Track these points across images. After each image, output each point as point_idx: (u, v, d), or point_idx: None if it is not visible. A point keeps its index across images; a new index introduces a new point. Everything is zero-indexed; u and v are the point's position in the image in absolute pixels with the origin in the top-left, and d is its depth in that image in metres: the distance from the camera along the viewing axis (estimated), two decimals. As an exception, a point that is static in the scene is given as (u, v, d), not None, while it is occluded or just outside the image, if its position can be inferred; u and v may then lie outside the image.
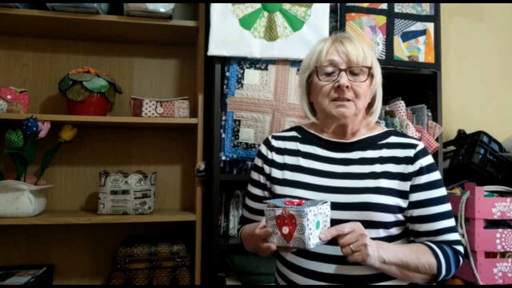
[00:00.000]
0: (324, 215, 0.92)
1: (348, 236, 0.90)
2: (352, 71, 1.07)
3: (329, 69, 1.08)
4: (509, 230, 1.64)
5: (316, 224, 0.89)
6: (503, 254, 1.65)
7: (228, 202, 1.77)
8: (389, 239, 1.03)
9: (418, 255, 1.00)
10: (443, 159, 1.80)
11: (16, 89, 1.69)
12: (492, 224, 1.67)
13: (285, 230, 0.89)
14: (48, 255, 1.85)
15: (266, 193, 1.18)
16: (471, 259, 1.60)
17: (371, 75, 1.10)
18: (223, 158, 1.62)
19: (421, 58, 1.74)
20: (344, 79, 1.05)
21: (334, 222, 0.95)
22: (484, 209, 1.61)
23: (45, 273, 1.72)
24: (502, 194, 1.72)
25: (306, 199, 0.96)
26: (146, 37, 1.89)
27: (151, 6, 1.64)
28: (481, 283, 1.58)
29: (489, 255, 1.63)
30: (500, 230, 1.63)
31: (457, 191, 1.76)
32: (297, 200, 0.93)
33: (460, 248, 1.06)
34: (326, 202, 0.93)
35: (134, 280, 1.68)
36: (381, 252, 0.94)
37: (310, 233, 0.86)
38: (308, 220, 0.86)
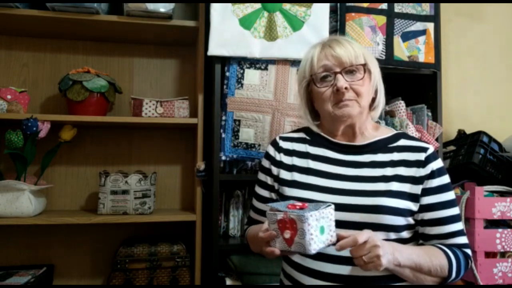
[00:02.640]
0: (328, 219, 0.89)
1: (360, 247, 0.88)
2: (347, 71, 1.07)
3: (324, 74, 1.08)
4: (509, 230, 1.63)
5: (320, 229, 0.87)
6: (503, 254, 1.65)
7: (228, 202, 1.77)
8: (400, 242, 1.02)
9: (431, 258, 0.99)
10: (443, 159, 1.80)
11: (16, 89, 1.69)
12: (492, 224, 1.67)
13: (287, 234, 0.87)
14: (48, 255, 1.85)
15: (273, 195, 1.17)
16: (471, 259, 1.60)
17: (368, 71, 1.09)
18: (223, 158, 1.62)
19: (421, 58, 1.74)
20: (341, 81, 1.05)
21: (344, 224, 0.94)
22: (484, 209, 1.61)
23: (45, 273, 1.72)
24: (502, 194, 1.72)
25: (312, 201, 0.95)
26: (146, 37, 1.89)
27: (151, 6, 1.64)
28: (481, 283, 1.58)
29: (489, 255, 1.63)
30: (500, 230, 1.63)
31: (457, 191, 1.76)
32: (300, 204, 0.91)
33: (469, 251, 1.07)
34: (329, 205, 0.91)
35: (134, 280, 1.68)
36: (397, 255, 0.93)
37: (311, 238, 0.85)
38: (309, 225, 0.84)
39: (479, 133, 1.92)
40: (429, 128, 1.75)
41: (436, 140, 1.73)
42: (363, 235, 0.89)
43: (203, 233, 1.73)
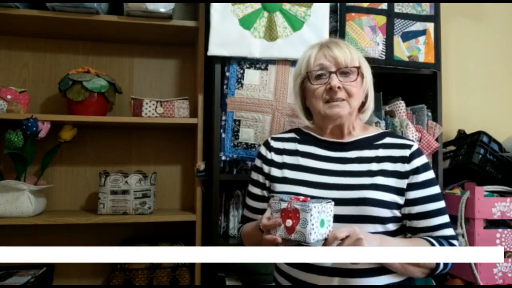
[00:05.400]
0: (328, 214, 0.96)
1: (345, 242, 0.94)
2: (341, 72, 1.12)
3: (320, 73, 1.13)
4: (509, 230, 1.64)
5: (321, 222, 0.93)
6: (503, 254, 1.65)
7: (228, 202, 1.77)
8: (387, 235, 1.07)
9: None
10: (443, 159, 1.80)
11: (16, 89, 1.69)
12: (492, 224, 1.67)
13: (289, 223, 0.93)
14: (48, 255, 1.85)
15: (265, 192, 1.21)
16: (471, 259, 1.60)
17: (361, 75, 1.15)
18: (223, 158, 1.62)
19: (421, 58, 1.74)
20: (335, 80, 1.11)
21: (333, 218, 0.98)
22: (484, 209, 1.61)
23: (45, 273, 1.72)
24: (502, 194, 1.72)
25: (310, 197, 1.00)
26: (146, 37, 1.89)
27: (151, 6, 1.64)
28: (481, 283, 1.58)
29: (489, 255, 1.63)
30: (500, 230, 1.63)
31: (457, 191, 1.76)
32: (302, 197, 0.97)
33: (456, 243, 1.10)
34: (330, 202, 0.97)
35: (134, 280, 1.68)
36: (385, 246, 0.99)
37: (312, 228, 0.90)
38: (311, 215, 0.90)
39: (479, 133, 1.92)
40: (429, 128, 1.75)
41: (436, 140, 1.73)
42: (343, 231, 0.94)
43: (203, 233, 1.73)
